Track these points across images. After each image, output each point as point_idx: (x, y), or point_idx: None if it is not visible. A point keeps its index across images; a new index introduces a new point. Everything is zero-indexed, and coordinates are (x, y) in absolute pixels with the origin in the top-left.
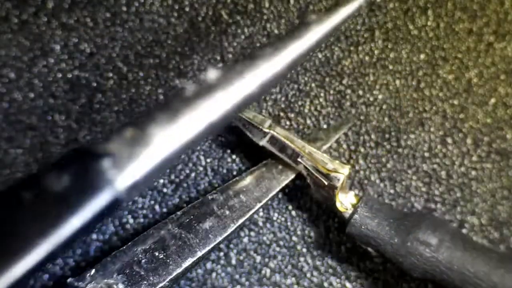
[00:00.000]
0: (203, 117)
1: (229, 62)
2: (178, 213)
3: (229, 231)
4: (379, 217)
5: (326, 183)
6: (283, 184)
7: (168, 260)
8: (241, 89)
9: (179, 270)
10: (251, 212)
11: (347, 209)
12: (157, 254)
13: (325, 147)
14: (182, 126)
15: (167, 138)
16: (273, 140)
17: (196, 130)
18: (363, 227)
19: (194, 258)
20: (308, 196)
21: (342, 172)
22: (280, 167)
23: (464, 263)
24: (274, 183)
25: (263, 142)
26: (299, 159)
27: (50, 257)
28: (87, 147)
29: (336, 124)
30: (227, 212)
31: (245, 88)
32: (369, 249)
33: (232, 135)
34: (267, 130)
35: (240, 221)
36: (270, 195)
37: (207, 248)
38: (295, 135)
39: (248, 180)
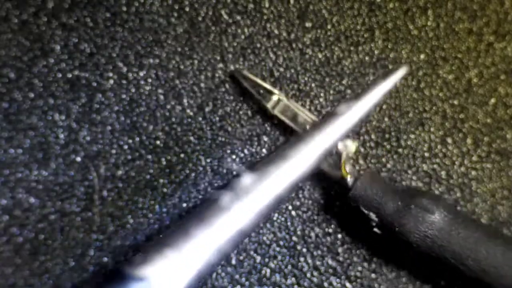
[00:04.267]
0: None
1: (257, 166)
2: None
3: None
4: (383, 183)
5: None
6: None
7: None
8: (271, 191)
9: None
10: None
11: (352, 176)
12: None
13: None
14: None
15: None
16: (285, 108)
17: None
18: (368, 190)
19: None
20: (308, 196)
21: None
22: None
23: (463, 232)
24: None
25: (273, 110)
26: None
27: None
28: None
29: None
30: None
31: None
32: (371, 214)
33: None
34: (276, 98)
35: None
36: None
37: None
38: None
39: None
